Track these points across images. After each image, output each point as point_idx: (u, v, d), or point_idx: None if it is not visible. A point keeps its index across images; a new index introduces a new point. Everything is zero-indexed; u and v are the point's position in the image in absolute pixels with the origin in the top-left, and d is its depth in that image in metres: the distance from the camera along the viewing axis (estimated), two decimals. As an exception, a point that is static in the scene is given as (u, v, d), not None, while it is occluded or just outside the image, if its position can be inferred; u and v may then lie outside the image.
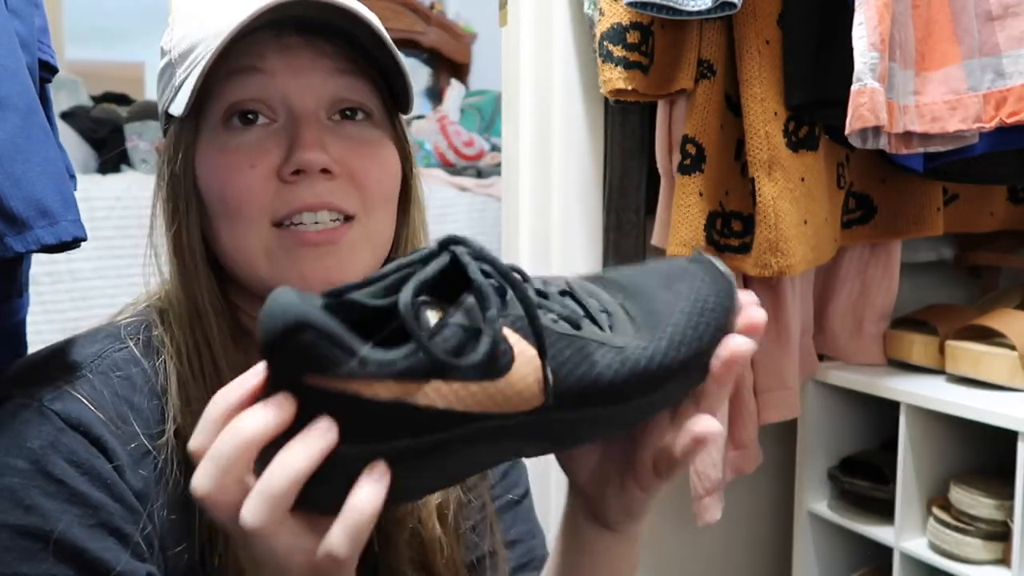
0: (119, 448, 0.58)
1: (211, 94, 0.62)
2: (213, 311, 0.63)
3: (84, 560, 0.54)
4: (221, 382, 0.60)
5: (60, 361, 0.61)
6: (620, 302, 0.49)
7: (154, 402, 0.61)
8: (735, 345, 0.49)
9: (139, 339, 0.64)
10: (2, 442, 0.55)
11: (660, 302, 0.49)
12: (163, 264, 0.66)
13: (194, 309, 0.63)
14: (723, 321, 0.49)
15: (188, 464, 0.60)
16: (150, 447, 0.60)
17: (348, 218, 0.63)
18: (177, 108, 0.62)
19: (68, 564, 0.54)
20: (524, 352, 0.43)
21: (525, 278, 0.47)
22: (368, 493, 0.41)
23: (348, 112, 0.65)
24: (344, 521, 0.41)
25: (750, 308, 0.51)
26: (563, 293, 0.48)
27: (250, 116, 0.62)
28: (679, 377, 0.48)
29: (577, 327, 0.45)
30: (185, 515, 0.60)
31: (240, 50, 0.61)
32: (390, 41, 0.63)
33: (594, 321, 0.47)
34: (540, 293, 0.46)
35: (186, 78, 0.62)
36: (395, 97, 0.68)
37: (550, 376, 0.44)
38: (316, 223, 0.62)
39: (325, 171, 0.62)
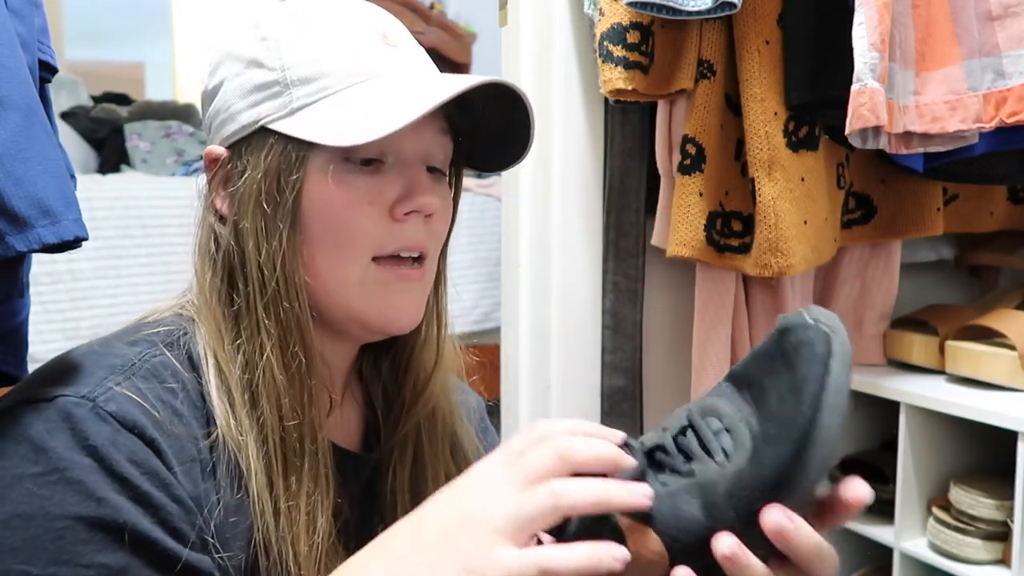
0: (170, 452, 0.58)
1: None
2: (307, 321, 0.65)
3: (156, 551, 0.55)
4: (294, 385, 0.64)
5: (102, 362, 0.60)
6: (743, 414, 0.51)
7: (193, 407, 0.62)
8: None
9: (175, 346, 0.64)
10: (61, 439, 0.55)
11: (780, 402, 0.49)
12: (209, 263, 0.68)
13: (286, 320, 0.65)
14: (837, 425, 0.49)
15: (236, 468, 0.61)
16: (196, 452, 0.60)
17: (427, 258, 0.70)
18: (309, 133, 0.64)
19: (141, 555, 0.55)
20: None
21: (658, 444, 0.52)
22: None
23: (428, 168, 0.70)
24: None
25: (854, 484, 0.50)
26: (684, 429, 0.52)
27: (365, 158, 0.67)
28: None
29: (691, 473, 0.50)
30: (237, 518, 0.61)
31: None
32: (532, 116, 0.72)
33: (709, 452, 0.50)
34: (659, 448, 0.52)
35: (308, 104, 0.65)
36: (478, 154, 0.75)
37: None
38: (411, 258, 0.68)
39: (429, 215, 0.68)
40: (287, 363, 0.64)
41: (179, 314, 0.68)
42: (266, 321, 0.64)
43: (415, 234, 0.67)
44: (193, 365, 0.64)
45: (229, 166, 0.67)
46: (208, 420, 0.62)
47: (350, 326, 0.69)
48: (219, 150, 0.68)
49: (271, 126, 0.65)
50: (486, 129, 0.72)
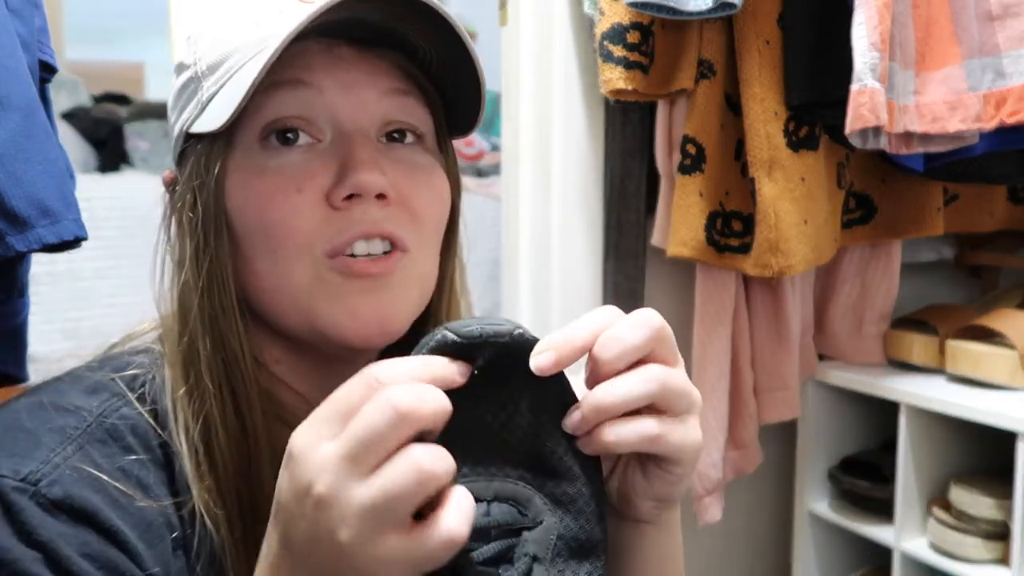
0: (130, 532, 0.50)
1: (246, 110, 0.54)
2: (248, 359, 0.56)
3: None
4: (248, 437, 0.55)
5: (52, 422, 0.51)
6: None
7: (160, 471, 0.54)
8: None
9: (142, 393, 0.55)
10: (2, 531, 0.47)
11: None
12: (169, 301, 0.59)
13: (227, 357, 0.55)
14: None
15: (208, 538, 0.53)
16: (162, 523, 0.52)
17: (400, 249, 0.57)
18: (210, 123, 0.55)
19: None
20: None
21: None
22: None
23: (396, 134, 0.59)
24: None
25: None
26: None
27: (289, 135, 0.56)
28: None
29: None
30: None
31: (283, 61, 0.53)
32: (474, 49, 0.57)
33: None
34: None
35: (218, 91, 0.56)
36: (450, 119, 0.63)
37: None
38: (369, 254, 0.56)
39: (380, 196, 0.55)
40: (231, 408, 0.55)
41: (150, 348, 0.59)
42: (209, 355, 0.55)
43: (365, 219, 0.55)
44: (159, 418, 0.55)
45: (173, 186, 0.60)
46: (180, 484, 0.54)
47: (316, 340, 0.57)
48: (171, 173, 0.61)
49: (191, 130, 0.57)
50: (450, 84, 0.61)
